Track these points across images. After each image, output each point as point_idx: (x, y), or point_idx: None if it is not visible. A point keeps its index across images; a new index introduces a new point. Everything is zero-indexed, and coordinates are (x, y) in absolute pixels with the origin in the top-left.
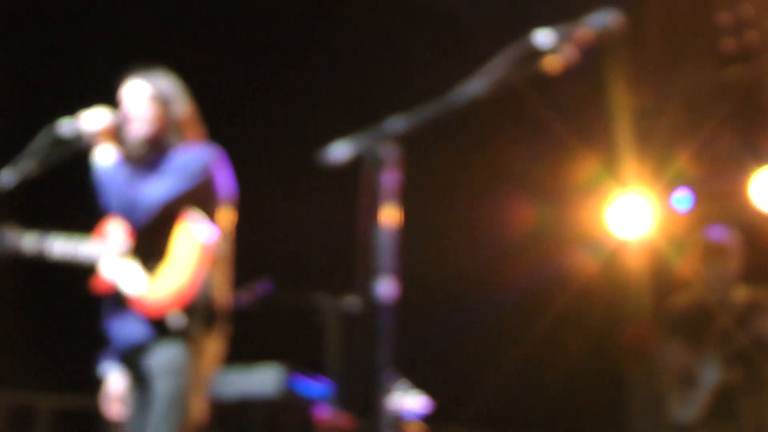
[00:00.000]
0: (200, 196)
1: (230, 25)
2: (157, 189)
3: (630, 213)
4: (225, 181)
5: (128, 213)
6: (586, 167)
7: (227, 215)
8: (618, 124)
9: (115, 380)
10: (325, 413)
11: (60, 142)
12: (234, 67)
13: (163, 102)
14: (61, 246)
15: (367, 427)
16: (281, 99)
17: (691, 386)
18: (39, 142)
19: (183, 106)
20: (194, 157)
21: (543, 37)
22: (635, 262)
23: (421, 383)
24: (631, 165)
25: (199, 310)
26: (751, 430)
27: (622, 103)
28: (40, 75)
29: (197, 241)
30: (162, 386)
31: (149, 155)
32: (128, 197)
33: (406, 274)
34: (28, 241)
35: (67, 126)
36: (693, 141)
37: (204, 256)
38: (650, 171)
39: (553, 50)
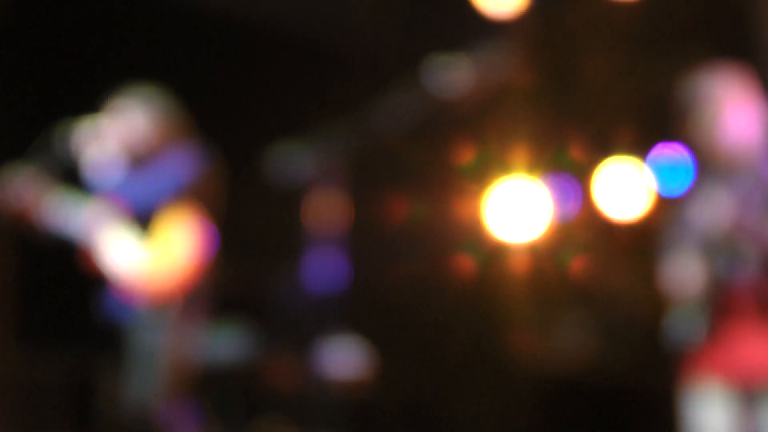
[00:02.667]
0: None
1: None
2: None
3: (515, 206)
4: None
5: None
6: (464, 152)
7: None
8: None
9: None
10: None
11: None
12: None
13: (155, 114)
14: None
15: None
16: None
17: None
18: (42, 147)
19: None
20: (184, 161)
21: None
22: (520, 263)
23: None
24: (518, 150)
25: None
26: None
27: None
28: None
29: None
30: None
31: (144, 159)
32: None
33: None
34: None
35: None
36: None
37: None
38: (538, 157)
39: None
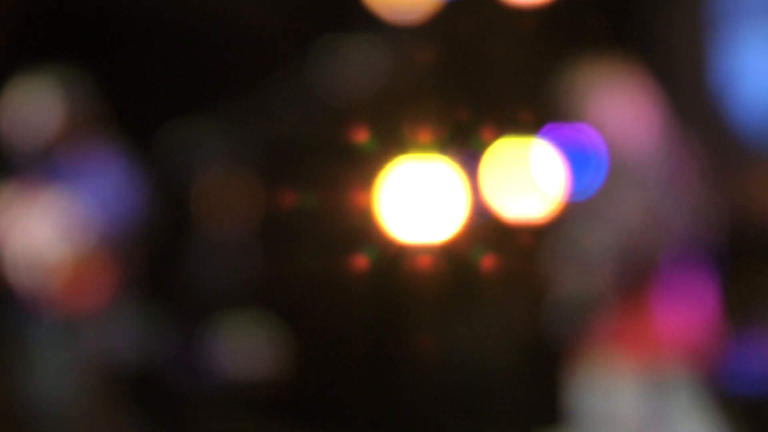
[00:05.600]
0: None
1: None
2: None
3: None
4: None
5: None
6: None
7: None
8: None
9: None
10: None
11: None
12: None
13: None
14: None
15: None
16: None
17: None
18: None
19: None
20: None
21: None
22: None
23: None
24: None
25: None
26: None
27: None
28: None
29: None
30: None
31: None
32: None
33: None
34: None
35: None
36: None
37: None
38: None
39: None
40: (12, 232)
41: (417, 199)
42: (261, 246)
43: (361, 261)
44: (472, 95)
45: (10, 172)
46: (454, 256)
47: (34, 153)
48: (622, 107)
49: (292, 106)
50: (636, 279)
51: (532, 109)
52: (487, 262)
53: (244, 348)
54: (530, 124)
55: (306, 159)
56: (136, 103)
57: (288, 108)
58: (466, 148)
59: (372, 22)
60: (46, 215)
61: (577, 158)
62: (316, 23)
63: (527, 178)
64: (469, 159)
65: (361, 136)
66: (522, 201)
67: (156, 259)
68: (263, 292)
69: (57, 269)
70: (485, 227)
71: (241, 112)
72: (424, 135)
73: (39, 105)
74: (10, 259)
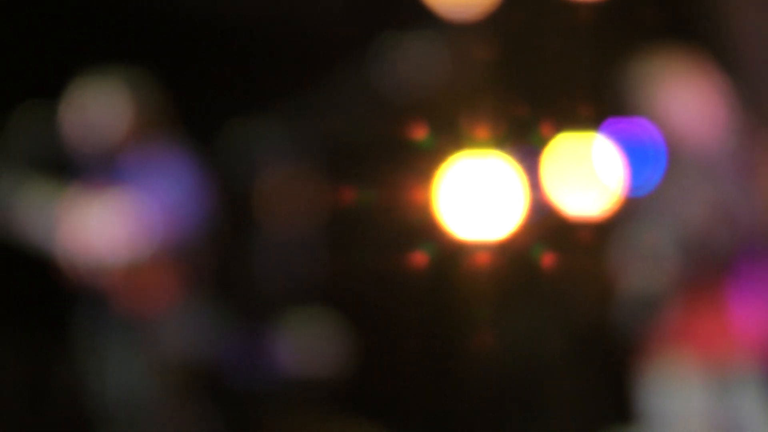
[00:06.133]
0: None
1: None
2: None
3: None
4: None
5: None
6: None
7: None
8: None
9: None
10: None
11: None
12: None
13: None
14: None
15: None
16: None
17: None
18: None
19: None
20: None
21: None
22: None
23: None
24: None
25: None
26: None
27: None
28: None
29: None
30: None
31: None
32: None
33: None
34: None
35: None
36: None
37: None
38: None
39: None
40: (81, 234)
41: (476, 196)
42: (322, 243)
43: (420, 258)
44: (531, 90)
45: (77, 175)
46: (513, 253)
47: (100, 155)
48: (686, 100)
49: (353, 103)
50: (704, 275)
51: (592, 104)
52: (547, 258)
53: (308, 345)
54: (590, 119)
55: (366, 156)
56: (200, 102)
57: (348, 105)
58: (526, 144)
59: (430, 19)
60: (113, 216)
61: (637, 153)
62: (376, 21)
63: (587, 173)
64: (529, 155)
65: (421, 133)
66: (582, 197)
67: (221, 258)
68: (325, 290)
69: (126, 270)
70: (545, 223)
71: (302, 110)
72: (483, 131)
73: (104, 106)
74: (80, 261)
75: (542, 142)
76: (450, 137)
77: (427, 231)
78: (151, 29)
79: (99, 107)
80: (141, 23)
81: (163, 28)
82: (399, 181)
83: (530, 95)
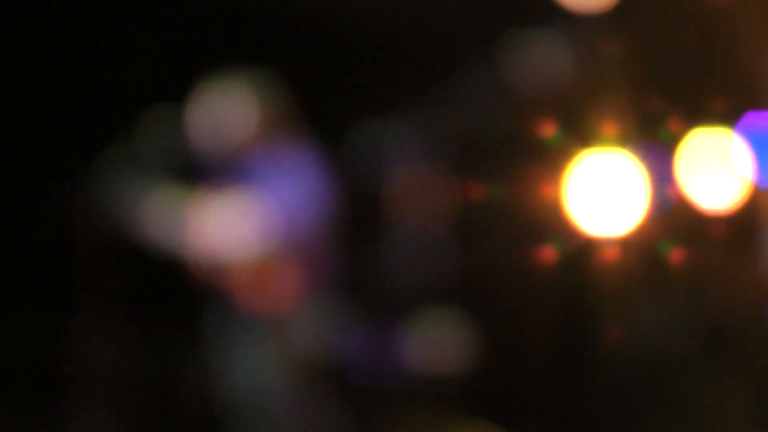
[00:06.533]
0: None
1: None
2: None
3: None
4: None
5: None
6: (542, 124)
7: None
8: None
9: None
10: None
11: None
12: None
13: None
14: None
15: None
16: None
17: None
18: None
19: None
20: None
21: None
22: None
23: None
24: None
25: None
26: None
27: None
28: None
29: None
30: None
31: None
32: None
33: None
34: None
35: None
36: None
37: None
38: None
39: None
40: (208, 235)
41: (605, 192)
42: (452, 241)
43: (549, 254)
44: (661, 85)
45: (204, 177)
46: (642, 248)
47: (227, 156)
48: None
49: (481, 100)
50: None
51: (724, 99)
52: (677, 253)
53: (436, 343)
54: (722, 114)
55: (495, 153)
56: (328, 102)
57: (477, 103)
58: (656, 139)
59: (558, 14)
60: (240, 217)
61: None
62: (504, 17)
63: (719, 168)
64: (659, 151)
65: (549, 130)
66: (714, 191)
67: (350, 256)
68: (454, 287)
69: (253, 269)
70: (675, 218)
71: (430, 108)
72: (612, 127)
73: (230, 108)
74: (208, 261)
75: (673, 138)
76: (579, 134)
77: (556, 227)
78: (277, 30)
79: (225, 109)
80: (268, 24)
81: (290, 28)
82: (528, 178)
83: (660, 90)
